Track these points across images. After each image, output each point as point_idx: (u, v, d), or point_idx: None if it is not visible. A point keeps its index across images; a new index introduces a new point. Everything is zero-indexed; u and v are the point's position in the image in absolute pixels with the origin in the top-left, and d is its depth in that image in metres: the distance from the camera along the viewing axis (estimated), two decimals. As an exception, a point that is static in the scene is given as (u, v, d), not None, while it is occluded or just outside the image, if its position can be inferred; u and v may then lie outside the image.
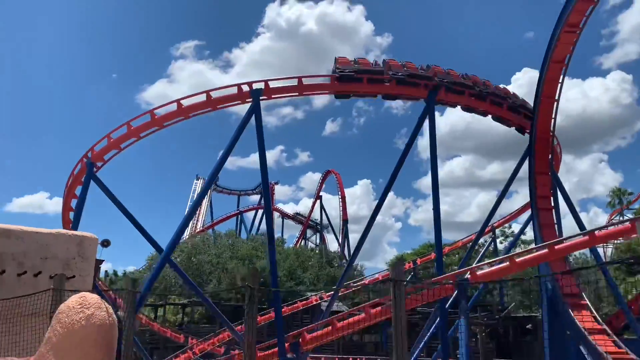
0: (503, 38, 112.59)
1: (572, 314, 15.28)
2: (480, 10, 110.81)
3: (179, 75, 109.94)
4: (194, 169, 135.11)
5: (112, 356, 5.08)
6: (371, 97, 19.44)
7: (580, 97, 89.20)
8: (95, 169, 19.23)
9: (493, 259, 15.50)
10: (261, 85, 18.03)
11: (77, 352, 4.96)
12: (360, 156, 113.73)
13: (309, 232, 77.65)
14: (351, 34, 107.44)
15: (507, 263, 14.09)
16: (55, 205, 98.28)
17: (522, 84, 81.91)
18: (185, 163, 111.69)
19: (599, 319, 15.36)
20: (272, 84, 18.42)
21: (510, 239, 40.94)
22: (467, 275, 14.22)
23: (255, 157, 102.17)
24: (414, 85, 18.67)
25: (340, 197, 73.44)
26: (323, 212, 77.30)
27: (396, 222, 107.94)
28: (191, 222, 66.14)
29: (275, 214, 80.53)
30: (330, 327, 15.62)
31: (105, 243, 13.68)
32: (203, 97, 18.18)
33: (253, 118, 18.23)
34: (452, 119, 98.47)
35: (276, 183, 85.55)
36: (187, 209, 68.75)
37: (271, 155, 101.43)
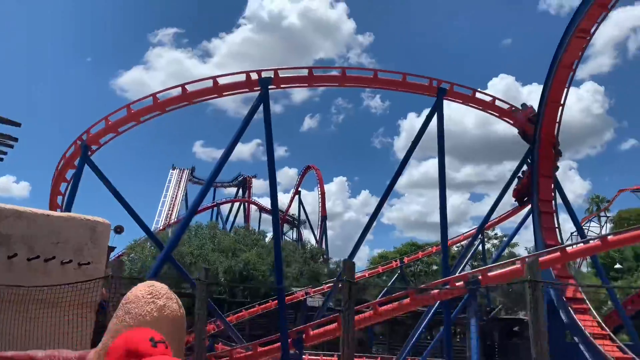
0: (481, 43, 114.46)
1: (577, 319, 15.38)
2: (460, 15, 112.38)
3: (156, 63, 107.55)
4: (169, 159, 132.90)
5: (183, 349, 4.65)
6: None
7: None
8: (89, 152, 18.40)
9: (503, 261, 15.47)
10: (270, 74, 17.53)
11: (149, 347, 4.52)
12: (337, 153, 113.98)
13: (285, 227, 77.26)
14: (333, 31, 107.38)
15: (519, 265, 14.07)
16: (22, 189, 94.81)
17: (499, 89, 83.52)
18: (159, 153, 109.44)
19: (602, 324, 15.50)
20: (281, 73, 17.95)
21: (494, 241, 41.50)
22: (479, 277, 14.14)
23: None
24: None
25: (319, 193, 73.30)
26: (301, 207, 76.96)
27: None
28: (165, 214, 65.06)
29: (253, 208, 79.99)
30: (335, 324, 15.32)
31: (119, 229, 12.96)
32: (209, 83, 17.56)
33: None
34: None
35: (253, 177, 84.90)
36: (162, 199, 67.53)
37: (248, 149, 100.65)
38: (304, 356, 27.13)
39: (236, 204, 79.98)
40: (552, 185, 19.01)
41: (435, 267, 47.44)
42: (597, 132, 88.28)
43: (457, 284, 14.52)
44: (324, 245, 66.51)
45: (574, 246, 14.29)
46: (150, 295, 4.68)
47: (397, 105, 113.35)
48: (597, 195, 44.15)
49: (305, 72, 18.05)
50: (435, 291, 14.56)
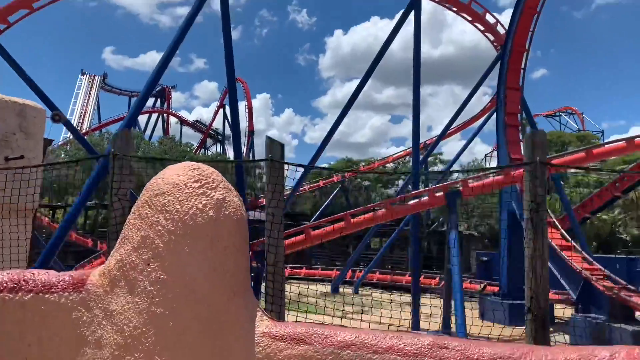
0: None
1: (542, 230, 15.29)
2: None
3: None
4: (77, 65, 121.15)
5: (249, 266, 2.91)
6: None
7: (475, 30, 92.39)
8: (-6, 32, 14.69)
9: (481, 173, 14.82)
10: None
11: (208, 263, 2.74)
12: (261, 68, 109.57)
13: (208, 142, 74.65)
14: None
15: (501, 176, 13.41)
16: None
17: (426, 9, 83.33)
18: (65, 57, 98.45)
19: (566, 235, 15.61)
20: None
21: (430, 158, 41.98)
22: (460, 187, 13.35)
23: (145, 58, 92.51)
24: None
25: (246, 107, 70.60)
26: (226, 121, 73.95)
27: (293, 139, 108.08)
28: (76, 122, 59.31)
29: (173, 120, 75.65)
30: (303, 236, 14.10)
31: (57, 117, 10.14)
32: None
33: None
34: (354, 40, 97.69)
35: (172, 87, 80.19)
36: (71, 107, 61.50)
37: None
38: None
39: (154, 116, 75.43)
40: (520, 98, 18.34)
41: (367, 183, 47.76)
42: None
43: (436, 194, 13.69)
44: (251, 161, 64.87)
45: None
46: (199, 184, 2.83)
47: (323, 21, 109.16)
48: (524, 117, 45.50)
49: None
50: (413, 202, 13.65)
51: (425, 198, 13.50)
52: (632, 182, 22.58)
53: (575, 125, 58.85)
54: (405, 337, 2.60)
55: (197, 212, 2.70)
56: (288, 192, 20.43)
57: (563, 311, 16.05)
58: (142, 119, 71.98)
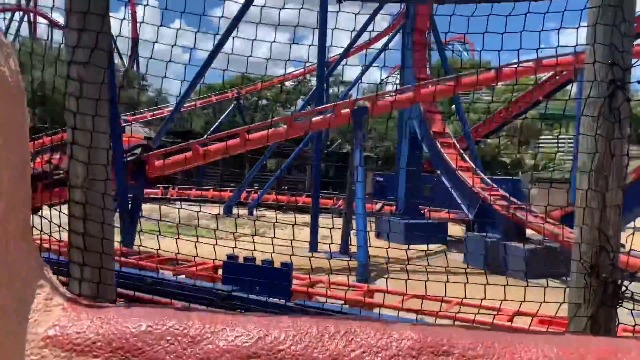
0: None
1: (443, 152, 15.05)
2: None
3: None
4: None
5: (27, 187, 1.31)
6: None
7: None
8: None
9: (392, 90, 13.83)
10: None
11: None
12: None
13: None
14: None
15: (411, 93, 12.52)
16: None
17: None
18: None
19: (465, 157, 15.50)
20: None
21: (331, 78, 40.64)
22: (367, 104, 12.24)
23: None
24: None
25: (129, 11, 62.91)
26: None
27: (184, 52, 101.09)
28: None
29: (42, 22, 65.89)
30: (190, 153, 12.28)
31: None
32: None
33: None
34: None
35: (40, -18, 69.03)
36: None
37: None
38: (171, 190, 24.31)
39: (18, 15, 65.01)
40: (430, 14, 17.26)
41: (265, 102, 45.70)
42: None
43: (342, 111, 12.51)
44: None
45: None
46: None
47: None
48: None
49: None
50: (318, 118, 12.38)
51: (330, 114, 12.31)
52: (521, 109, 23.49)
53: (467, 55, 61.06)
54: (363, 331, 1.25)
55: None
56: (170, 108, 17.67)
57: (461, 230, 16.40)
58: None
